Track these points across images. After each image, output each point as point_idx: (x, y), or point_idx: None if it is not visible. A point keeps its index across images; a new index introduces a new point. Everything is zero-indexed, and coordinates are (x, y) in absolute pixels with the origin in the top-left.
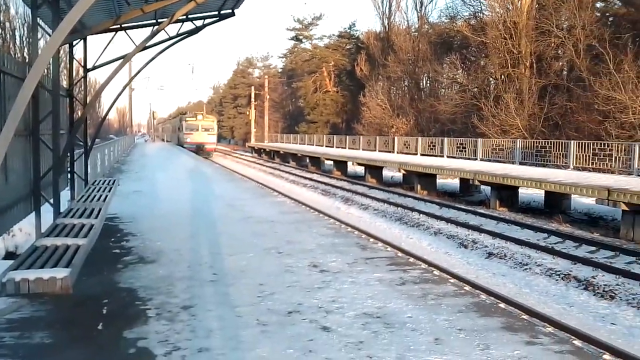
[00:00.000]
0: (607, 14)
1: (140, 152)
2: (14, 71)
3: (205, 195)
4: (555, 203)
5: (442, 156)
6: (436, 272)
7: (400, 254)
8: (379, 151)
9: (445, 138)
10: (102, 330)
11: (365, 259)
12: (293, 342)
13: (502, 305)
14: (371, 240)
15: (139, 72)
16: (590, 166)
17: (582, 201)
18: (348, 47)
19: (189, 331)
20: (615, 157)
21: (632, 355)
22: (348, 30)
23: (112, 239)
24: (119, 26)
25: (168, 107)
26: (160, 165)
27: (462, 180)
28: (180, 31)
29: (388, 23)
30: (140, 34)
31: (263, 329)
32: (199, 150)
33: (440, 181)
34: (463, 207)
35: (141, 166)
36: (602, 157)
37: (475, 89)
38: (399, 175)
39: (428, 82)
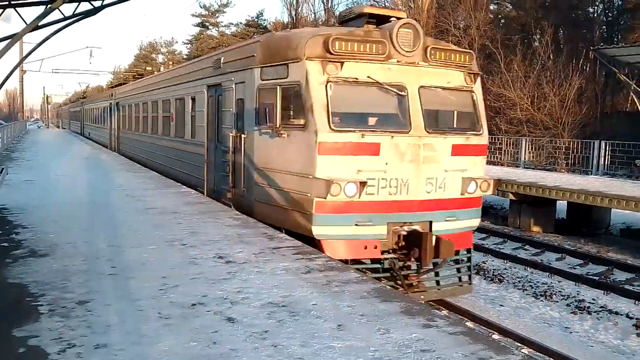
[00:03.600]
0: (500, 16)
1: (32, 140)
2: None
3: (104, 185)
4: None
5: None
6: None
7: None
8: None
9: None
10: None
11: (272, 249)
12: (197, 335)
13: (402, 290)
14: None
15: (30, 52)
16: None
17: None
18: (256, 36)
19: (85, 327)
20: (505, 151)
21: (517, 333)
22: (255, 20)
23: (0, 232)
24: (7, 2)
25: (64, 91)
26: (55, 153)
27: None
28: (77, 11)
29: (295, 14)
30: (33, 13)
31: (165, 323)
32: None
33: None
34: None
35: (34, 154)
36: (493, 150)
37: None
38: None
39: None
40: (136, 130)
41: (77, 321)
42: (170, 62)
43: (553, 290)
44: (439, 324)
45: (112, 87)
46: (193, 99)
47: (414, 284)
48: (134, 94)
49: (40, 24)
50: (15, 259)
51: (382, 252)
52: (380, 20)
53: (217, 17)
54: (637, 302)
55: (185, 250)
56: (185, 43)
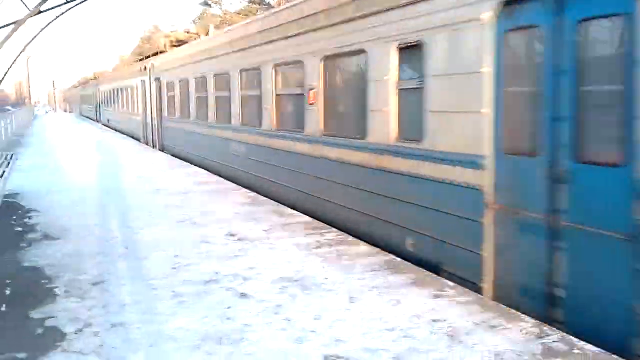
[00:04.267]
0: None
1: (41, 124)
2: None
3: (115, 168)
4: None
5: None
6: None
7: None
8: None
9: None
10: (6, 312)
11: (282, 225)
12: (210, 311)
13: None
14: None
15: (35, 36)
16: None
17: None
18: (259, 13)
19: (101, 307)
20: None
21: None
22: None
23: (14, 217)
24: None
25: (70, 77)
26: (64, 137)
27: None
28: None
29: None
30: None
31: (179, 300)
32: None
33: None
34: None
35: (43, 139)
36: None
37: None
38: None
39: None
40: (204, 120)
41: (93, 301)
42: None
43: None
44: (449, 293)
45: (145, 58)
46: (414, 47)
47: None
48: (194, 62)
49: (42, 8)
50: (30, 243)
51: None
52: None
53: None
54: None
55: (197, 229)
56: (189, 23)
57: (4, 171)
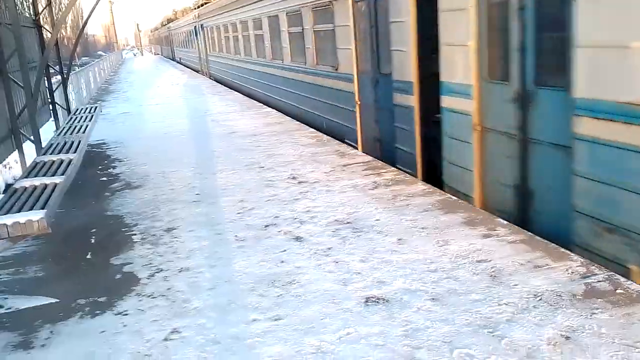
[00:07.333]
0: None
1: (128, 69)
2: None
3: (191, 111)
4: None
5: None
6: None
7: None
8: None
9: None
10: (91, 259)
11: (342, 167)
12: (267, 255)
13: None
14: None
15: None
16: None
17: None
18: None
19: (171, 253)
20: None
21: None
22: None
23: (100, 167)
24: None
25: (152, 19)
26: (148, 81)
27: None
28: None
29: None
30: None
31: (240, 245)
32: None
33: None
34: None
35: (129, 84)
36: None
37: None
38: None
39: None
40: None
41: (165, 248)
42: None
43: None
44: (499, 232)
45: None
46: None
47: None
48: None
49: None
50: (113, 192)
51: None
52: None
53: None
54: None
55: (262, 172)
56: None
57: (87, 126)
